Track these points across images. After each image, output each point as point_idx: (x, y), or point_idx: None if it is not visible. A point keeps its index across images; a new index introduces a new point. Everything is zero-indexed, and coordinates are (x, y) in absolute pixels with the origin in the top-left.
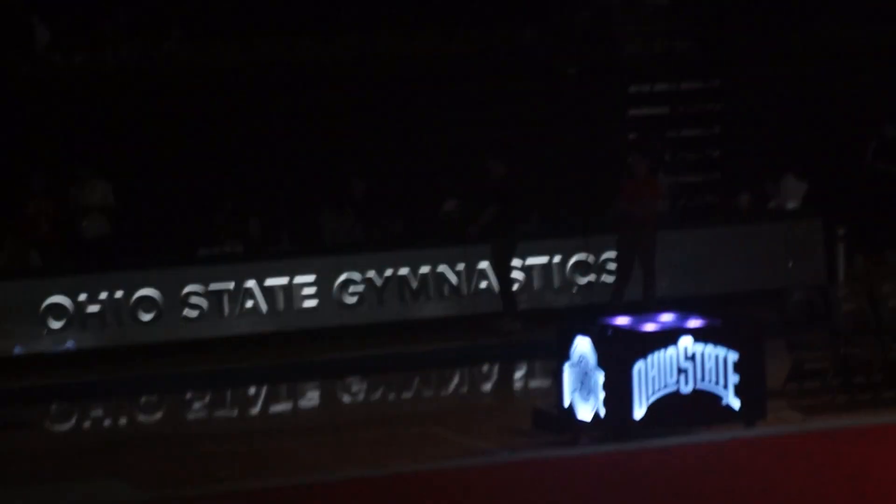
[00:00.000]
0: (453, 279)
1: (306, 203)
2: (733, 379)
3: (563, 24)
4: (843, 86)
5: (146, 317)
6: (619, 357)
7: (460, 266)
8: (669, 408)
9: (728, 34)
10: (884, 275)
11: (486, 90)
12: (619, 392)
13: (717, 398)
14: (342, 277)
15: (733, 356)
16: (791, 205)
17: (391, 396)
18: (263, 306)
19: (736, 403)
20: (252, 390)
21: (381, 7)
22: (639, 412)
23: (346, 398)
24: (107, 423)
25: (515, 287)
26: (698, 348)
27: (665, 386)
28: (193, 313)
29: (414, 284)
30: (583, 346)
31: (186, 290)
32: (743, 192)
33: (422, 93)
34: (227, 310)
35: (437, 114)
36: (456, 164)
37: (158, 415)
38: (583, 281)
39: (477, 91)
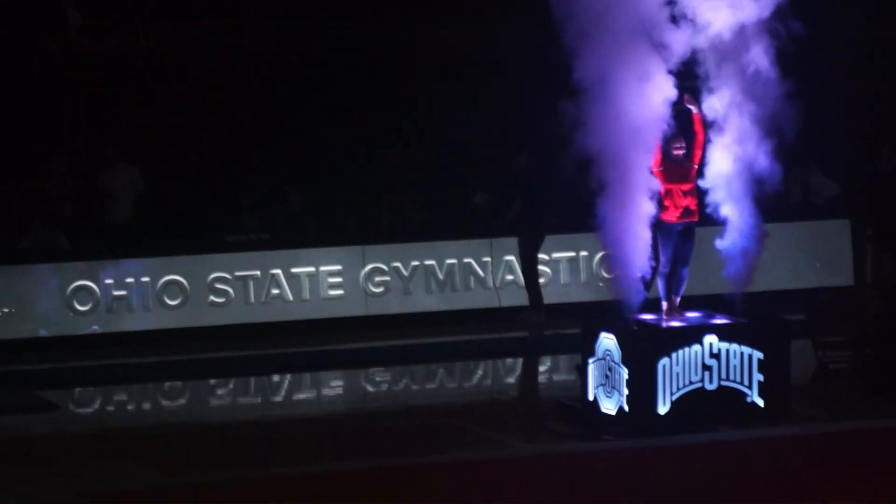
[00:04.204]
0: (480, 271)
1: (333, 192)
2: (758, 377)
3: None
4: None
5: (172, 302)
6: (643, 353)
7: (486, 258)
8: (693, 404)
9: None
10: None
11: (519, 82)
12: (643, 388)
13: (742, 396)
14: (368, 267)
15: (758, 355)
16: (820, 201)
17: (415, 388)
18: (289, 294)
19: (760, 402)
20: (276, 378)
21: None
22: (663, 408)
23: (371, 388)
24: (129, 406)
25: (542, 281)
26: (723, 346)
27: (690, 383)
28: (220, 299)
29: (440, 276)
30: (608, 341)
31: (212, 276)
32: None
33: (454, 83)
34: (252, 297)
35: (470, 105)
36: (485, 157)
37: (182, 400)
38: (609, 276)
39: (510, 83)
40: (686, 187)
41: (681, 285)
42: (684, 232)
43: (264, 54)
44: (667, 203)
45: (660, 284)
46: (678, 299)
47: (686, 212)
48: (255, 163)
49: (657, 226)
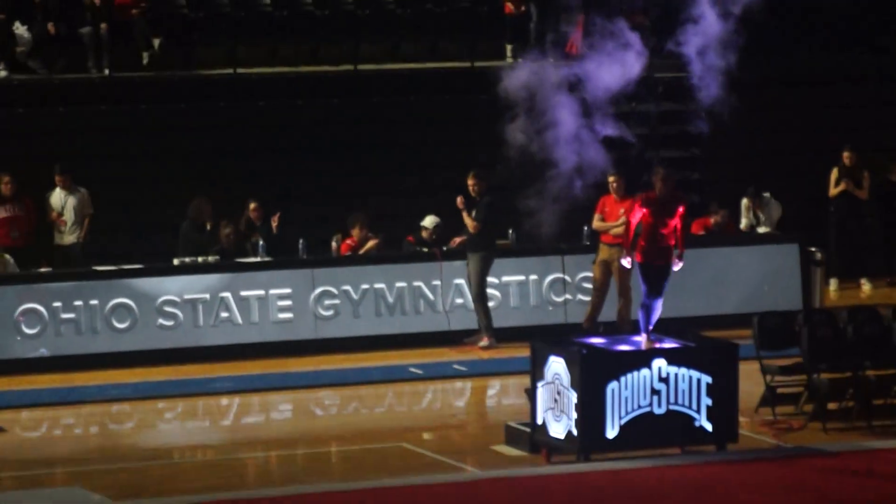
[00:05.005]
0: (429, 295)
1: (283, 214)
2: (706, 401)
3: None
4: (811, 112)
5: (121, 325)
6: (592, 377)
7: (436, 282)
8: (642, 428)
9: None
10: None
11: (469, 104)
12: (591, 412)
13: (690, 420)
14: (318, 290)
15: (707, 379)
16: (765, 228)
17: (364, 411)
18: (238, 317)
19: (708, 426)
20: (225, 401)
21: (368, 21)
22: (611, 432)
23: (320, 412)
24: (77, 430)
25: (491, 304)
26: (672, 370)
27: (638, 407)
28: (169, 322)
29: (390, 299)
30: (557, 365)
31: (161, 299)
32: (716, 208)
33: (405, 107)
34: (202, 320)
35: (422, 128)
36: (436, 180)
37: (130, 424)
38: (558, 300)
39: (463, 106)
40: (665, 230)
41: (652, 314)
42: (661, 268)
43: (214, 78)
44: (642, 243)
45: (641, 316)
46: (650, 328)
47: (662, 254)
48: (205, 185)
49: (637, 263)
